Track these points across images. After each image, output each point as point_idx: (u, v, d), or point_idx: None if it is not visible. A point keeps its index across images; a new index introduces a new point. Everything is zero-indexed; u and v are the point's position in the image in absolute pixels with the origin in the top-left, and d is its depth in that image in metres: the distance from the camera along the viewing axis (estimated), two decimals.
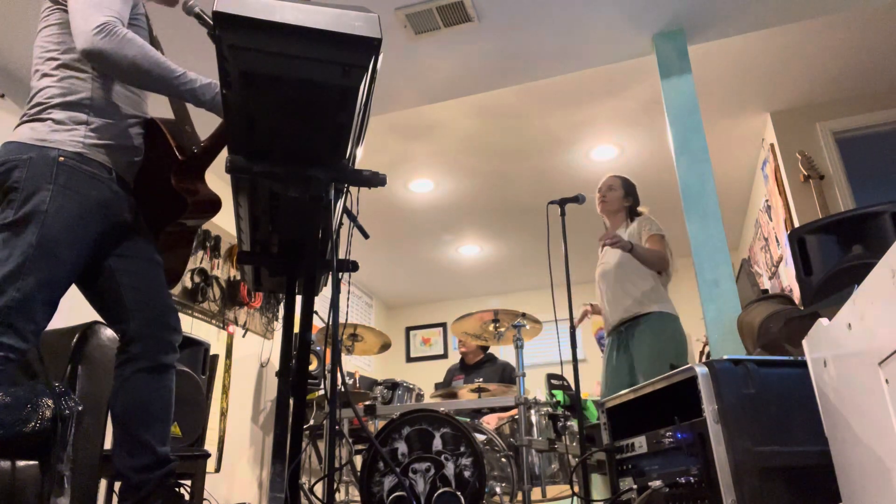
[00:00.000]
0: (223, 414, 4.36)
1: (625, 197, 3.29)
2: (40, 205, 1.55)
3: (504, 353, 5.13)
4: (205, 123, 1.89)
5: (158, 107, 1.92)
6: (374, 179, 1.42)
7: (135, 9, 1.73)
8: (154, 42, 1.88)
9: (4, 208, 1.57)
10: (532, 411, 3.17)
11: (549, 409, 3.25)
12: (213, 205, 1.85)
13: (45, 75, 1.69)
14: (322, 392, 4.57)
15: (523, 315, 3.41)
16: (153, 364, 1.70)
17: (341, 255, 1.61)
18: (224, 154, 1.38)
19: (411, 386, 3.86)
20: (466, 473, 2.50)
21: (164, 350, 1.72)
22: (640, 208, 3.33)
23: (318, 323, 4.82)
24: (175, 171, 1.78)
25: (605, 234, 2.95)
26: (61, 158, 1.59)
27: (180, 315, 1.87)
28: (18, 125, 1.66)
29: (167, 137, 1.79)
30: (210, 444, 4.01)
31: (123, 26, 1.60)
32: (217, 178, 4.24)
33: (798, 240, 1.87)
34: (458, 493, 2.42)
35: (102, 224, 1.66)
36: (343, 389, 1.68)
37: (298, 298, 1.64)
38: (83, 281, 1.75)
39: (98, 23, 1.54)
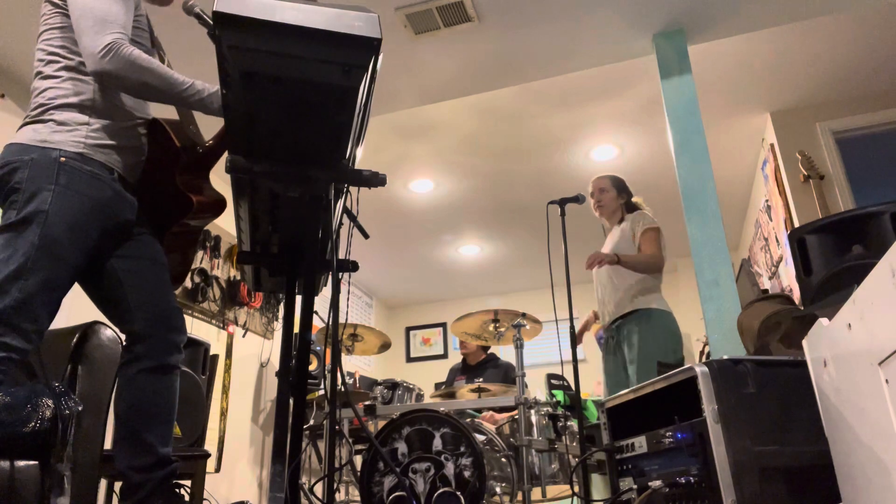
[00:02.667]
0: (223, 414, 4.36)
1: (619, 195, 3.32)
2: (42, 205, 1.56)
3: (504, 353, 5.13)
4: (209, 125, 1.89)
5: (162, 107, 1.91)
6: (374, 179, 1.42)
7: (136, 10, 1.74)
8: (155, 43, 1.89)
9: (7, 209, 1.58)
10: (532, 411, 3.17)
11: (549, 409, 3.26)
12: (219, 205, 1.85)
13: (46, 77, 1.70)
14: (322, 392, 4.57)
15: (523, 315, 3.41)
16: (157, 364, 1.70)
17: (341, 255, 1.61)
18: (224, 154, 1.38)
19: (411, 386, 3.86)
20: (466, 473, 2.50)
21: (168, 350, 1.73)
22: (634, 199, 3.34)
23: (318, 323, 4.82)
24: (180, 171, 1.78)
25: (590, 258, 2.98)
26: (62, 159, 1.60)
27: None
28: (21, 127, 1.67)
29: (172, 138, 1.79)
30: (210, 444, 4.02)
31: (128, 42, 1.62)
32: (217, 178, 4.23)
33: (798, 240, 1.87)
34: (458, 493, 2.42)
35: (104, 224, 1.66)
36: (343, 389, 1.68)
37: (298, 298, 1.64)
38: (87, 282, 1.76)
39: (104, 44, 1.57)
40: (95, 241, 1.65)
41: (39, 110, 1.66)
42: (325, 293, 4.14)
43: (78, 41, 1.62)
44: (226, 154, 1.39)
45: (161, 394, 1.70)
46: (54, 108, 1.66)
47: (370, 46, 1.17)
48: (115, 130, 1.72)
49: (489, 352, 4.64)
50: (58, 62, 1.70)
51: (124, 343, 1.74)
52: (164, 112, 1.87)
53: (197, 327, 4.18)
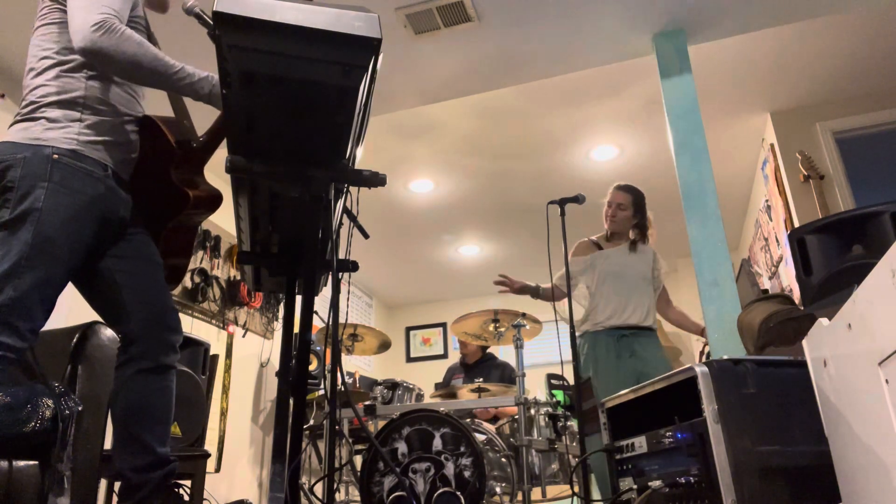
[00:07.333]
0: (223, 414, 4.36)
1: (634, 216, 3.32)
2: (35, 202, 1.55)
3: (504, 353, 5.13)
4: (203, 122, 1.88)
5: (157, 103, 1.91)
6: (374, 179, 1.42)
7: (134, 10, 1.73)
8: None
9: (0, 208, 1.57)
10: (532, 411, 3.17)
11: (549, 409, 3.25)
12: (214, 199, 1.84)
13: (39, 74, 1.68)
14: (322, 392, 4.56)
15: (523, 315, 3.41)
16: (153, 365, 1.70)
17: (341, 255, 1.61)
18: (224, 154, 1.38)
19: (411, 386, 3.86)
20: (466, 473, 2.49)
21: (164, 351, 1.72)
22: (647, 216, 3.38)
23: (318, 323, 4.81)
24: (175, 166, 1.78)
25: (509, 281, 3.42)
26: (55, 156, 1.59)
27: (180, 315, 1.87)
28: (12, 125, 1.66)
29: (165, 133, 1.78)
30: (210, 444, 4.01)
31: (121, 23, 1.60)
32: (217, 178, 4.23)
33: (798, 240, 1.87)
34: (458, 493, 2.42)
35: (98, 221, 1.65)
36: (343, 389, 1.68)
37: (298, 298, 1.64)
38: (82, 282, 1.75)
39: (96, 20, 1.54)
40: (90, 238, 1.64)
41: (30, 108, 1.65)
42: (325, 293, 4.13)
43: (70, 22, 1.58)
44: (225, 152, 1.39)
45: (157, 394, 1.69)
46: (45, 105, 1.64)
47: (370, 46, 1.16)
48: (107, 127, 1.70)
49: (487, 351, 4.64)
50: (51, 59, 1.69)
51: (119, 344, 1.73)
52: (159, 110, 1.87)
53: (197, 327, 4.18)
